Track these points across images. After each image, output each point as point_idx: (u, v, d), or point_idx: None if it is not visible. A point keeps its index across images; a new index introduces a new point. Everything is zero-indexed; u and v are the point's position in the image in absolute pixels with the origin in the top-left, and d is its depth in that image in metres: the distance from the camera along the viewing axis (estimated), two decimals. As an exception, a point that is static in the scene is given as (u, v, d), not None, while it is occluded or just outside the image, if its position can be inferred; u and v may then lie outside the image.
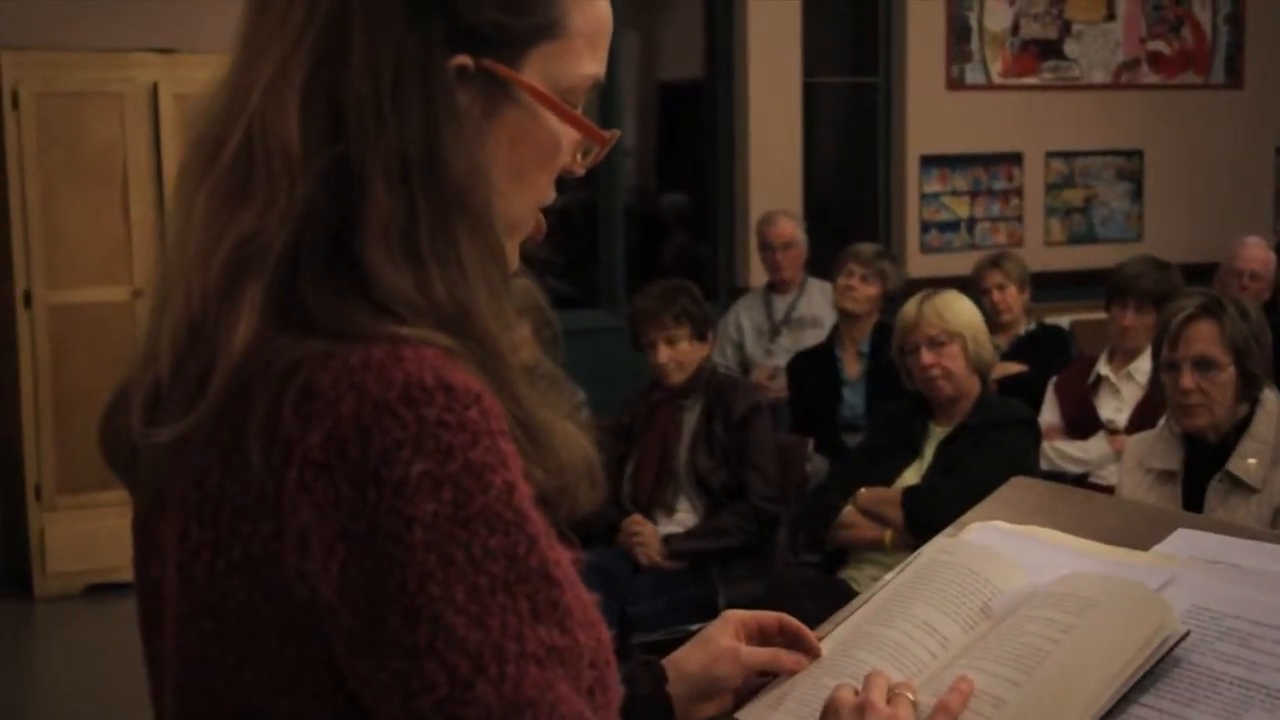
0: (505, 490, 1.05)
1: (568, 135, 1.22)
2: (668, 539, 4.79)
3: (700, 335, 4.94)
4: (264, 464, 1.06)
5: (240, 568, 1.08)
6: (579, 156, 1.25)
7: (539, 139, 1.20)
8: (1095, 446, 5.29)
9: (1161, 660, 1.37)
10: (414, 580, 1.02)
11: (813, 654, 1.55)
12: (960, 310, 4.46)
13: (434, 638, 1.02)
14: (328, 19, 1.13)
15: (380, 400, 1.04)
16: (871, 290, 6.17)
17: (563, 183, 1.26)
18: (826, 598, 3.74)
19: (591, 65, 1.22)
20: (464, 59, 1.14)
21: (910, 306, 4.49)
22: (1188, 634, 1.38)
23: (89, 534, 6.43)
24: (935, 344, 4.38)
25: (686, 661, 1.55)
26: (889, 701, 1.37)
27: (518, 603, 1.04)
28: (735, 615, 1.58)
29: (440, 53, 1.13)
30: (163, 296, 1.16)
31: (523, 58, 1.17)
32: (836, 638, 1.58)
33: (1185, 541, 1.62)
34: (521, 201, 1.22)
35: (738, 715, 1.55)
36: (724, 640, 1.55)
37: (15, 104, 6.42)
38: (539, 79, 1.18)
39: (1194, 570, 1.50)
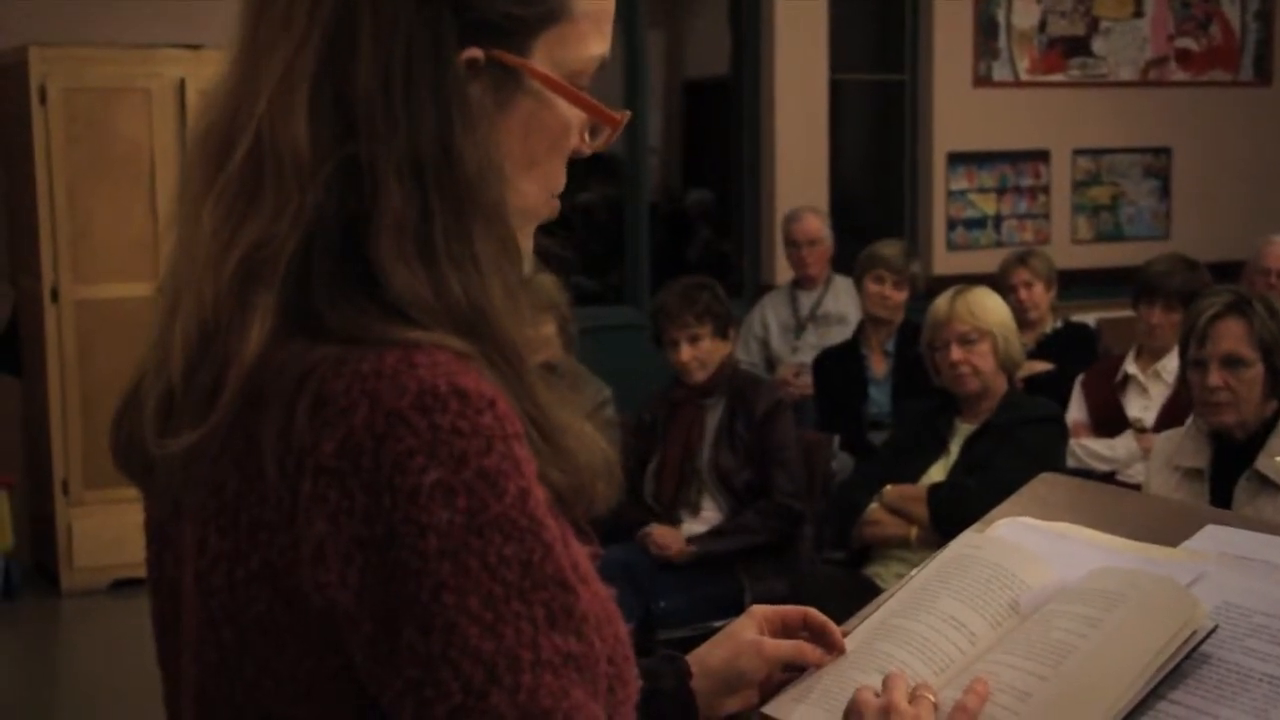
0: (519, 497, 1.04)
1: (576, 117, 1.21)
2: (692, 538, 4.79)
3: (722, 333, 4.92)
4: (278, 474, 1.06)
5: (259, 577, 1.08)
6: (586, 137, 1.24)
7: (550, 125, 1.19)
8: (1123, 445, 5.27)
9: (1190, 656, 1.36)
10: (428, 589, 1.02)
11: (837, 649, 1.55)
12: (991, 308, 4.45)
13: (448, 646, 1.01)
14: (334, 17, 1.11)
15: (393, 408, 1.03)
16: (902, 295, 6.18)
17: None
18: (851, 595, 3.73)
19: (597, 46, 1.20)
20: (475, 52, 1.13)
21: (941, 302, 4.47)
22: (1215, 628, 1.37)
23: (115, 529, 6.45)
24: (966, 341, 4.37)
25: (710, 656, 1.55)
26: (911, 702, 1.37)
27: (533, 610, 1.04)
28: (760, 610, 1.58)
29: (451, 47, 1.12)
30: (172, 302, 1.15)
31: (531, 45, 1.16)
32: (863, 631, 1.58)
33: (1215, 538, 1.61)
34: (535, 190, 1.21)
35: (763, 709, 1.55)
36: (748, 634, 1.55)
37: (43, 99, 6.45)
38: (547, 64, 1.17)
39: (1224, 566, 1.49)
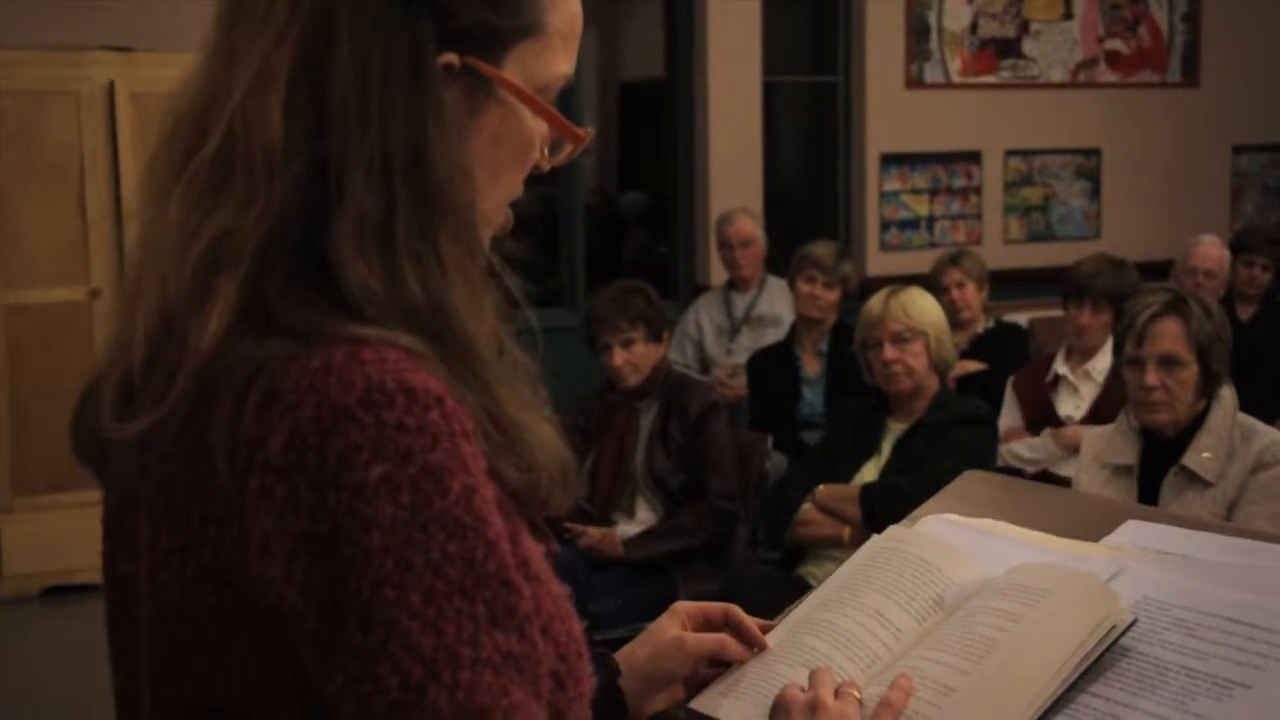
0: (464, 495, 1.05)
1: (540, 131, 1.23)
2: (627, 541, 4.79)
3: (655, 336, 4.92)
4: (228, 469, 1.06)
5: (209, 572, 1.08)
6: (545, 153, 1.26)
7: (518, 137, 1.21)
8: (1042, 444, 5.31)
9: (1109, 650, 1.38)
10: (370, 583, 1.02)
11: (758, 645, 1.57)
12: (925, 308, 4.48)
13: (388, 641, 1.02)
14: (314, 15, 1.12)
15: (340, 404, 1.04)
16: (833, 296, 6.18)
17: (526, 180, 1.27)
18: (785, 594, 3.74)
19: (565, 64, 1.23)
20: (451, 57, 1.15)
21: (875, 302, 4.50)
22: (1135, 622, 1.39)
23: (47, 536, 6.39)
24: (899, 340, 4.39)
25: (634, 655, 1.57)
26: (837, 698, 1.38)
27: (474, 608, 1.04)
28: (682, 607, 1.60)
29: (429, 51, 1.14)
30: (136, 289, 1.16)
31: (504, 56, 1.18)
32: (789, 624, 1.59)
33: (1135, 533, 1.63)
34: (495, 198, 1.23)
35: (691, 704, 1.56)
36: (670, 632, 1.57)
37: (-30, 103, 6.38)
38: (518, 77, 1.19)
39: (1143, 561, 1.51)
